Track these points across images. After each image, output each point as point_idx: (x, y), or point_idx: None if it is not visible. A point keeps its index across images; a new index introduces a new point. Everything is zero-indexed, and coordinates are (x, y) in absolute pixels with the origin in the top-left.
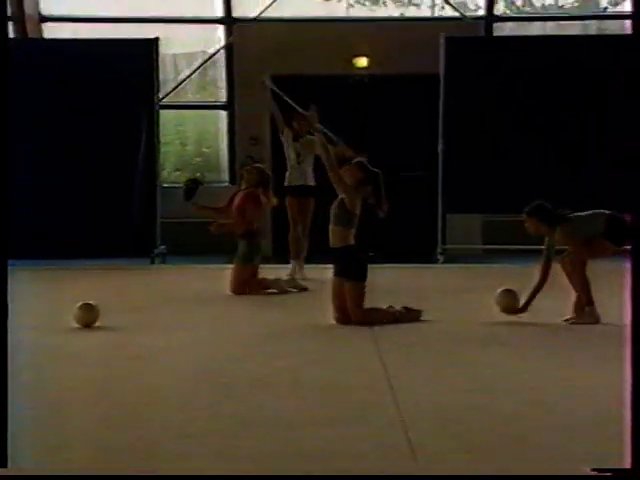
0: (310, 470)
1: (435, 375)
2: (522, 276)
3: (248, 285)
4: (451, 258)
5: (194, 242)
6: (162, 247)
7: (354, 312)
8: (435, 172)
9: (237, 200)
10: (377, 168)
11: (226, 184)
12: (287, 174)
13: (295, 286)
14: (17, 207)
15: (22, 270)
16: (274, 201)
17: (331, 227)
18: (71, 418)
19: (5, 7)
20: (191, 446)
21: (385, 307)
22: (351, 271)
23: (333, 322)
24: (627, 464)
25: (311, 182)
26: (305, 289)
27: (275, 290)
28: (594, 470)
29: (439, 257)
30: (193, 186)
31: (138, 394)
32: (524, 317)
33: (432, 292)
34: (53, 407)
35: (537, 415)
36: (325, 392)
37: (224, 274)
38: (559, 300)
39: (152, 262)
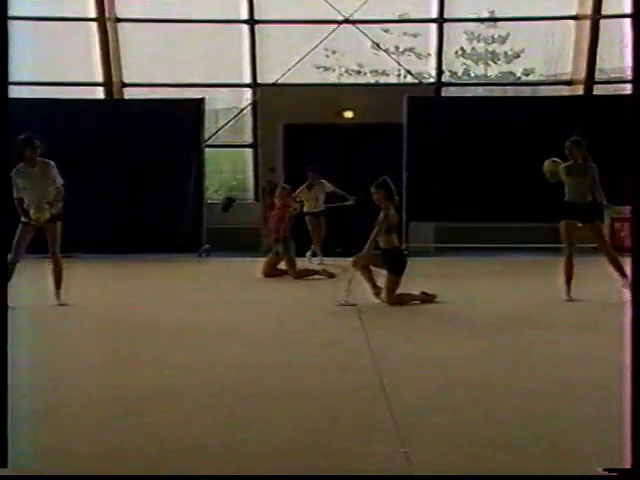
0: (304, 401)
1: (401, 336)
2: (464, 266)
3: (293, 272)
4: (413, 253)
5: (230, 242)
6: (207, 245)
7: (388, 296)
8: (400, 192)
9: (275, 214)
10: (361, 189)
11: (251, 200)
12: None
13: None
14: (111, 216)
15: (110, 261)
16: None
17: (378, 234)
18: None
19: (6, 11)
20: (224, 388)
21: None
22: (393, 266)
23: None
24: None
25: (321, 208)
26: (333, 276)
27: (322, 276)
28: (606, 470)
29: (405, 252)
30: (229, 202)
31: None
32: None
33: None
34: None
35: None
36: (321, 348)
37: (253, 264)
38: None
39: (199, 256)
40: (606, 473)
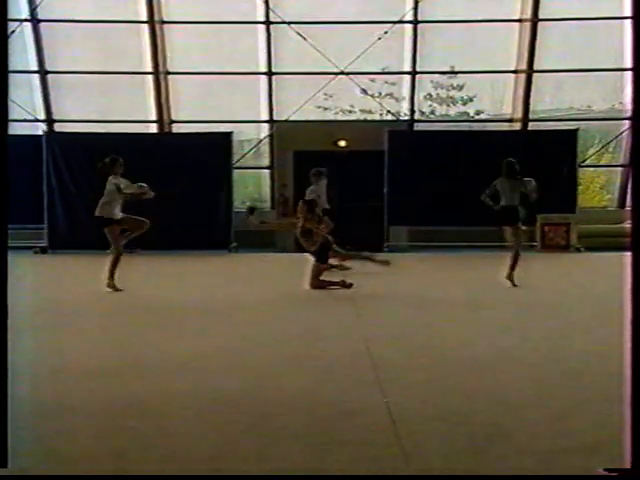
0: (302, 363)
1: (385, 313)
2: (431, 259)
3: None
4: (391, 249)
5: (252, 240)
6: (235, 243)
7: (311, 280)
8: (382, 203)
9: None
10: (352, 203)
11: (268, 209)
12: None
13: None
14: (164, 221)
15: (163, 255)
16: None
17: (301, 239)
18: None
19: (6, 9)
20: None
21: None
22: (318, 258)
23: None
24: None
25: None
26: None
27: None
28: (605, 470)
29: (385, 248)
30: (251, 210)
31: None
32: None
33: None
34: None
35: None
36: (317, 319)
37: (268, 257)
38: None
39: (229, 251)
40: (606, 473)
